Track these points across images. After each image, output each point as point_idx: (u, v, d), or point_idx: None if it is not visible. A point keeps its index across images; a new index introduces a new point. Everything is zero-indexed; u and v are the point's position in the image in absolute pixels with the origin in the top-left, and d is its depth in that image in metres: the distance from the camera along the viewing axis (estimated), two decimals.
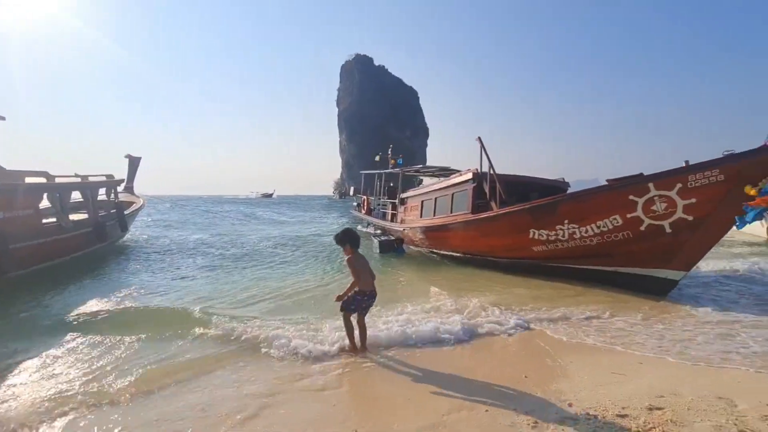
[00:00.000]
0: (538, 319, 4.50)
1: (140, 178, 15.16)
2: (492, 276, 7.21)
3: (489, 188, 7.72)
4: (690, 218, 5.13)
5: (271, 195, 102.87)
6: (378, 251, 10.13)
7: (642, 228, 5.47)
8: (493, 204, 7.60)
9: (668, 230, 5.32)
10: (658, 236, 5.42)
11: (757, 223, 13.57)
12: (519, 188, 8.66)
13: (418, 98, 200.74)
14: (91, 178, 10.36)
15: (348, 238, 3.57)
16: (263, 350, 3.61)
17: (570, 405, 2.54)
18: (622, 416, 2.38)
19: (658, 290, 5.61)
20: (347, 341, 3.58)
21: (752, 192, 4.39)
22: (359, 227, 15.36)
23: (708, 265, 7.24)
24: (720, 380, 2.92)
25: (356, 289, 3.50)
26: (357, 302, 3.52)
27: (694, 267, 5.76)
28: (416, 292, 5.99)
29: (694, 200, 5.03)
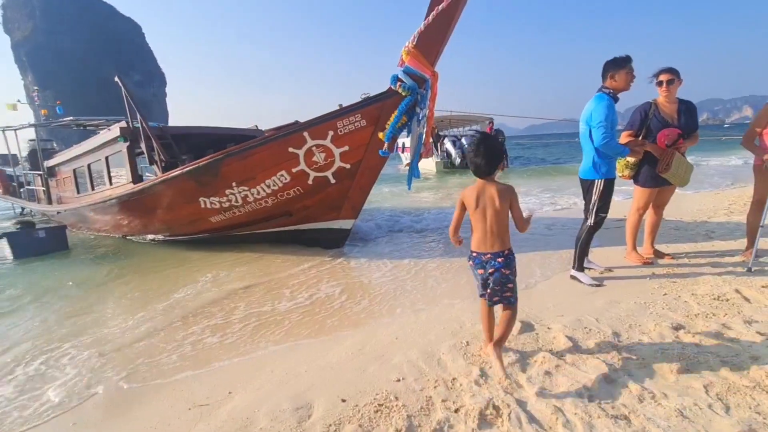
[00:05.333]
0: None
1: None
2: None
3: (146, 147, 5.92)
4: (348, 166, 4.96)
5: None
6: (12, 256, 6.14)
7: (309, 182, 5.05)
8: (156, 168, 5.91)
9: (332, 181, 5.07)
10: (325, 188, 5.14)
11: (429, 159, 17.51)
12: (200, 143, 7.22)
13: (143, 35, 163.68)
14: None
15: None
16: None
17: None
18: None
19: (336, 241, 5.53)
20: None
21: (381, 137, 4.41)
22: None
23: (387, 203, 7.99)
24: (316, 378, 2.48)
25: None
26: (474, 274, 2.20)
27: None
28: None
29: (347, 147, 4.83)
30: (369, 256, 5.02)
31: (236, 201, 5.26)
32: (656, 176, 3.48)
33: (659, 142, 3.38)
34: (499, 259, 2.06)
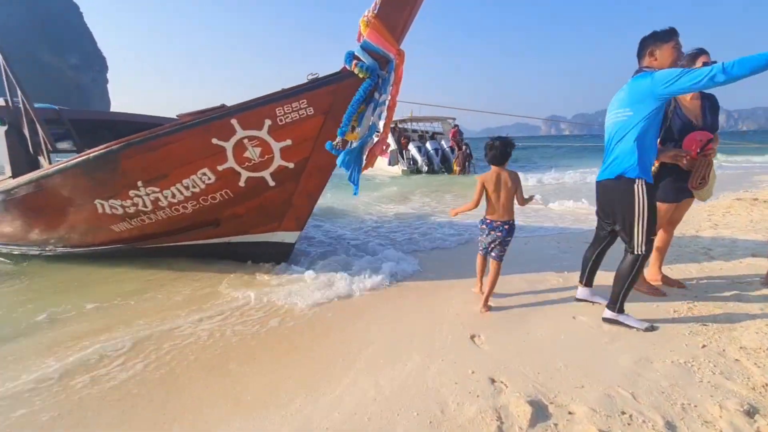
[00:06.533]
0: None
1: None
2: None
3: (29, 132, 4.56)
4: (290, 165, 3.92)
5: None
6: None
7: (241, 184, 3.96)
8: (42, 160, 4.56)
9: (271, 183, 4.02)
10: (262, 192, 4.07)
11: (396, 167, 16.60)
12: (128, 133, 5.86)
13: (80, 14, 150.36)
14: None
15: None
16: None
17: None
18: None
19: (278, 257, 4.48)
20: None
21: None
22: None
23: (338, 211, 7.00)
24: None
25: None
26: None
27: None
28: None
29: (289, 142, 3.78)
30: (313, 287, 3.76)
31: (144, 205, 4.06)
32: (680, 190, 2.79)
33: (689, 148, 2.68)
34: (506, 227, 2.84)
